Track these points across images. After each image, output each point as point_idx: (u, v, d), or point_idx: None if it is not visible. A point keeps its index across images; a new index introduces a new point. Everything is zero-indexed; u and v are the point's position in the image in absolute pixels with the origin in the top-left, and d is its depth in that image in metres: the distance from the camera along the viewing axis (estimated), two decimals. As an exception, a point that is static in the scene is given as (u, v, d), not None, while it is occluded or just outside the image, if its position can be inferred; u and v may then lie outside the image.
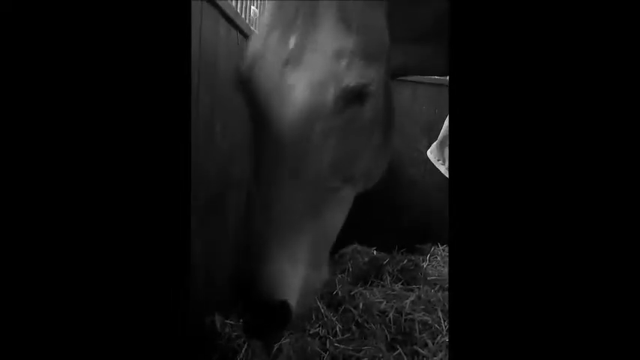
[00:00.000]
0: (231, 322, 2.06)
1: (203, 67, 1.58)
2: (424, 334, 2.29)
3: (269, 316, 0.93)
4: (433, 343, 2.23)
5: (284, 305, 0.92)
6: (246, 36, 2.07)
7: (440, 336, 2.27)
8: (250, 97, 1.02)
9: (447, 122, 2.41)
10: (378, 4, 1.08)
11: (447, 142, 2.39)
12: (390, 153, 1.20)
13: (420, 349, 2.17)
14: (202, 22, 1.53)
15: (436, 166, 2.41)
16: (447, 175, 2.39)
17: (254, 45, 1.03)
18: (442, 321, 2.39)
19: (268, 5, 1.06)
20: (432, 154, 2.46)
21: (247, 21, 2.12)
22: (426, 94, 3.36)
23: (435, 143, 2.45)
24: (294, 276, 0.95)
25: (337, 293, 2.63)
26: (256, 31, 1.06)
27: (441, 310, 2.50)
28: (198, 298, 1.81)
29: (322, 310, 2.37)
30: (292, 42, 0.96)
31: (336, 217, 1.08)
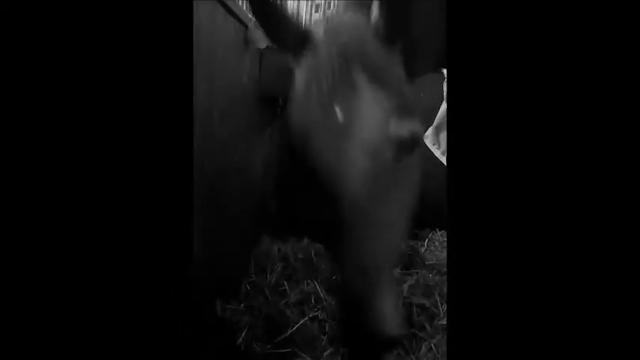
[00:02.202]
0: (231, 306, 2.09)
1: (200, 55, 1.60)
2: (422, 317, 2.33)
3: (383, 349, 1.11)
4: (431, 326, 2.27)
5: (392, 338, 1.07)
6: (244, 25, 2.09)
7: (437, 319, 2.31)
8: (308, 169, 1.13)
9: (442, 108, 2.44)
10: (398, 58, 1.19)
11: (443, 127, 2.42)
12: None
13: (417, 332, 2.21)
14: (199, 10, 1.54)
15: (432, 150, 2.44)
16: (443, 160, 2.42)
17: (299, 120, 1.14)
18: (439, 304, 2.43)
19: (301, 78, 1.18)
20: (428, 138, 2.49)
21: (245, 8, 2.13)
22: (424, 81, 3.37)
23: (430, 128, 2.48)
24: (394, 309, 1.09)
25: (337, 278, 2.66)
26: (295, 100, 1.17)
27: (438, 294, 2.53)
28: (198, 283, 1.84)
29: (321, 295, 2.41)
30: (339, 114, 1.06)
31: (402, 248, 1.21)
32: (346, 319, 1.10)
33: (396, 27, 1.16)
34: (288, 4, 3.63)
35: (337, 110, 1.06)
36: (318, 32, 1.20)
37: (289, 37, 1.21)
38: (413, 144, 1.09)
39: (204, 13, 1.62)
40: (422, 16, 1.32)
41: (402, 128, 1.06)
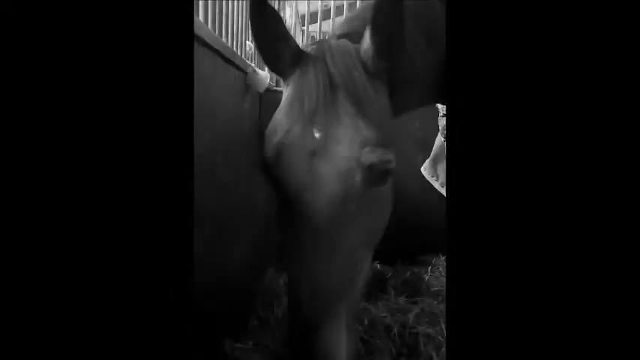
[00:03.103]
0: (240, 345, 2.13)
1: (201, 104, 1.67)
2: (428, 347, 2.35)
3: None
4: (437, 355, 2.29)
5: None
6: (242, 71, 2.17)
7: (443, 348, 2.33)
8: (278, 183, 1.15)
9: (438, 140, 2.49)
10: (384, 92, 1.24)
11: (440, 159, 2.47)
12: None
13: (425, 363, 2.24)
14: (200, 60, 1.62)
15: (430, 182, 2.48)
16: (442, 191, 2.47)
17: (277, 135, 1.15)
18: (446, 333, 2.45)
19: (287, 97, 1.21)
20: (425, 170, 2.54)
21: (243, 56, 2.22)
22: (420, 113, 3.44)
23: (427, 160, 2.53)
24: (342, 341, 1.06)
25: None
26: (276, 121, 1.19)
27: (444, 322, 2.55)
28: (207, 322, 1.88)
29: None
30: (317, 135, 1.09)
31: (363, 279, 1.20)
32: (293, 342, 1.07)
33: (384, 59, 1.20)
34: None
35: (315, 131, 1.09)
36: (310, 55, 1.23)
37: (283, 56, 1.25)
38: (384, 174, 1.12)
39: (205, 63, 1.71)
40: (412, 51, 1.37)
41: (375, 157, 1.09)
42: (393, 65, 1.23)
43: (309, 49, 1.27)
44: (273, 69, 1.31)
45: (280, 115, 1.19)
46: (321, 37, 4.26)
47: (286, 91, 1.24)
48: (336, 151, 1.08)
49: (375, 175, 1.11)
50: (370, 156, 1.09)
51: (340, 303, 1.08)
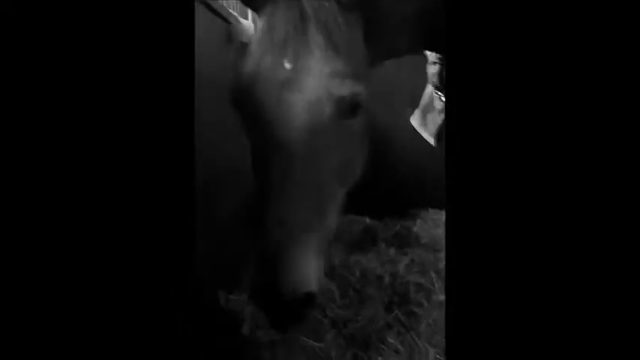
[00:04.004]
0: (234, 297, 2.15)
1: (200, 68, 1.63)
2: (419, 294, 2.39)
3: (298, 306, 1.08)
4: (428, 303, 2.33)
5: (309, 295, 1.09)
6: (225, 21, 2.10)
7: (433, 295, 2.37)
8: (248, 114, 1.16)
9: (427, 90, 2.47)
10: (357, 26, 1.23)
11: (429, 109, 2.46)
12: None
13: (415, 309, 2.28)
14: (196, 23, 1.56)
15: (419, 132, 2.48)
16: (431, 141, 2.47)
17: (248, 66, 1.16)
18: (434, 281, 2.49)
19: (258, 29, 1.21)
20: (414, 120, 2.53)
21: (227, 5, 2.14)
22: (409, 63, 3.38)
23: (417, 110, 2.52)
24: (310, 268, 1.10)
25: (334, 263, 2.72)
26: (247, 53, 1.19)
27: (434, 272, 2.59)
28: (200, 275, 1.89)
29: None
30: (287, 65, 1.10)
31: (334, 216, 1.21)
32: (258, 270, 1.09)
33: None
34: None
35: (285, 62, 1.11)
36: None
37: None
38: (354, 106, 1.14)
39: (201, 26, 1.65)
40: None
41: (345, 89, 1.10)
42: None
43: None
44: (246, 3, 1.32)
45: (251, 48, 1.19)
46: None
47: (258, 24, 1.23)
48: (305, 82, 1.10)
49: (345, 107, 1.12)
50: (340, 87, 1.10)
51: (307, 233, 1.10)
